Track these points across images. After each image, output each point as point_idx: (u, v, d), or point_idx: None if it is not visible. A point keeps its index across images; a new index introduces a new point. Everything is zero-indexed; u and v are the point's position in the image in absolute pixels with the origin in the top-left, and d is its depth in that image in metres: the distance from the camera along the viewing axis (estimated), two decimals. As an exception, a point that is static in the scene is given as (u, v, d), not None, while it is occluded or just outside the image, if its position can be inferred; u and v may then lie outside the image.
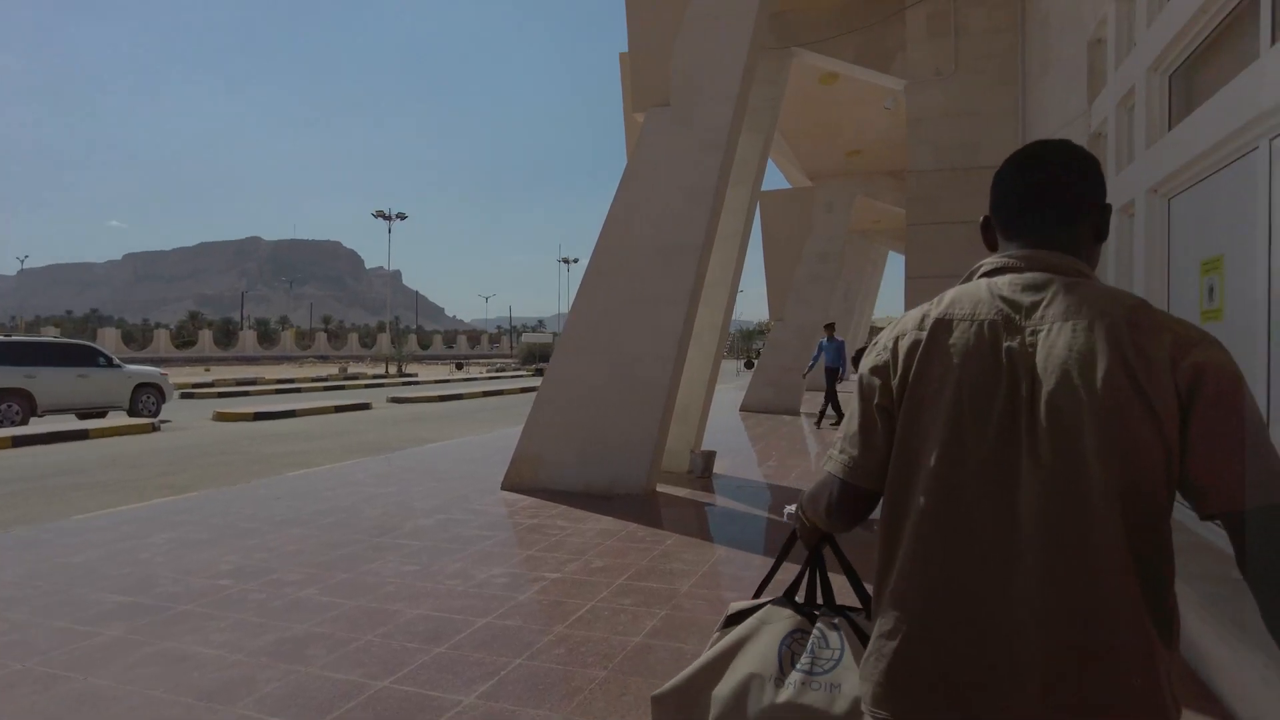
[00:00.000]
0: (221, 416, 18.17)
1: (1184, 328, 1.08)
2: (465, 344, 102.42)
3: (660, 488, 8.17)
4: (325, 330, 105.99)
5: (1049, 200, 1.23)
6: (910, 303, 8.28)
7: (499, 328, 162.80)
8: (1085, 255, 1.23)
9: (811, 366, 14.60)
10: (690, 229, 7.61)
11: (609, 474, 7.79)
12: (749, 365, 36.18)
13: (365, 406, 21.75)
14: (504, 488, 8.13)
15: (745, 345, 76.79)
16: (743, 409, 17.67)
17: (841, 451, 1.27)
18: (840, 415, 14.31)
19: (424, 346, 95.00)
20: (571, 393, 7.99)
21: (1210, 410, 1.02)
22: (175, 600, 4.64)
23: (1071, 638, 1.04)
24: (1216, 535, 3.91)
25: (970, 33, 8.10)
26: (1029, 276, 1.17)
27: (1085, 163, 1.24)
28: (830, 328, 14.63)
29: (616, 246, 7.91)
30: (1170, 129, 4.54)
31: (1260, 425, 1.03)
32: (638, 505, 7.36)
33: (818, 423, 14.29)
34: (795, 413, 16.93)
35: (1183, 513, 4.32)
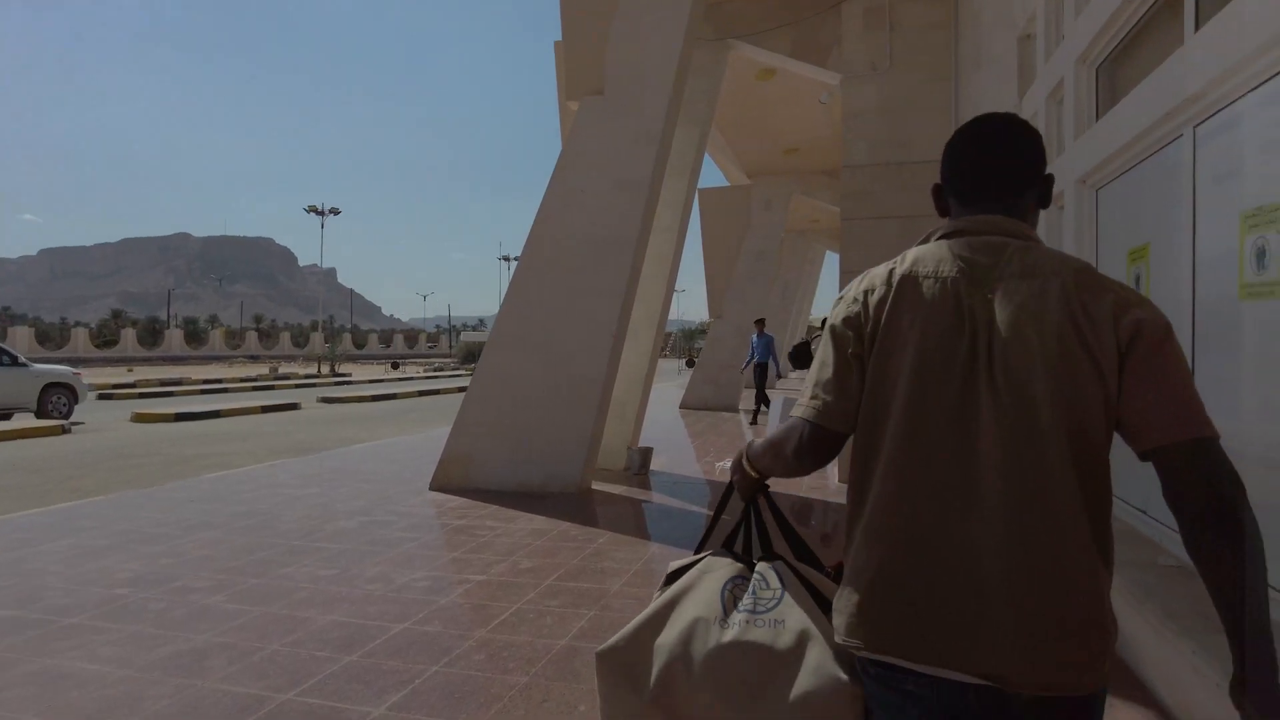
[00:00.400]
0: (140, 418, 17.33)
1: (1123, 289, 1.22)
2: (402, 343, 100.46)
3: (596, 485, 7.99)
4: (256, 329, 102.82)
5: (1001, 171, 1.34)
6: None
7: (438, 327, 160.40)
8: (1031, 221, 1.36)
9: (749, 363, 14.60)
10: (625, 221, 7.46)
11: (542, 472, 7.58)
12: (690, 364, 36.33)
13: (294, 407, 21.04)
14: (433, 488, 7.85)
15: (687, 344, 77.08)
16: (683, 406, 17.60)
17: (814, 398, 1.33)
18: (757, 410, 14.40)
19: (359, 346, 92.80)
20: (503, 389, 7.76)
21: (1144, 360, 1.16)
22: (63, 613, 4.27)
23: (1030, 565, 1.14)
24: (1144, 523, 3.92)
25: (905, 28, 8.13)
26: (986, 240, 1.28)
27: (1031, 136, 1.35)
28: (760, 323, 14.65)
29: (550, 238, 7.70)
30: (1097, 120, 4.55)
31: (1186, 372, 1.17)
32: (571, 503, 7.18)
33: (753, 419, 14.30)
34: (734, 409, 16.94)
35: (1116, 506, 4.32)
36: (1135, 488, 4.09)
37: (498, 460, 7.70)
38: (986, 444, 1.18)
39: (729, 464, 1.68)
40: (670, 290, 9.19)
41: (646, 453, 8.82)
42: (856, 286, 1.35)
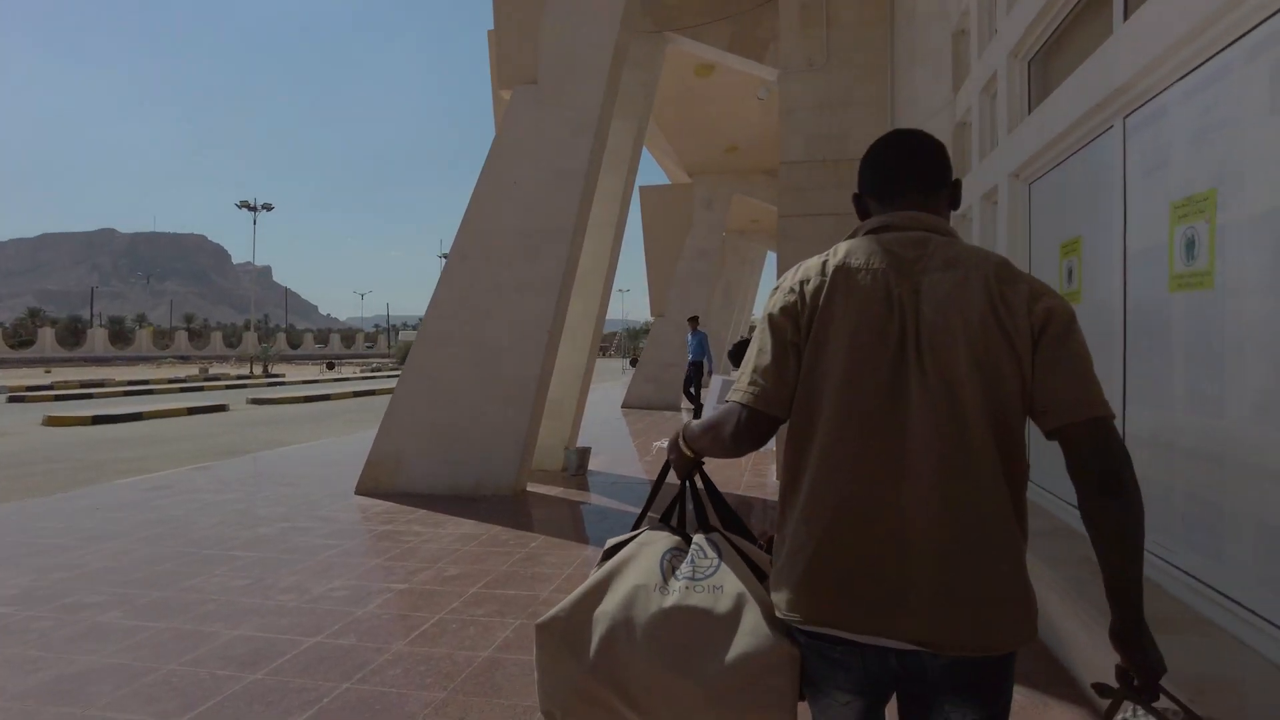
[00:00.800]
0: (53, 421, 16.44)
1: (1035, 281, 1.32)
2: (339, 343, 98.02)
3: (531, 487, 7.78)
4: (187, 329, 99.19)
5: (918, 171, 1.45)
6: (783, 294, 8.21)
7: (376, 326, 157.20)
8: (946, 219, 1.46)
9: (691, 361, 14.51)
10: (560, 213, 7.26)
11: (474, 474, 7.34)
12: (634, 363, 36.22)
13: (222, 409, 20.27)
14: (359, 492, 7.54)
15: (632, 344, 77.02)
16: (624, 406, 17.45)
17: (752, 384, 1.38)
18: (699, 406, 14.32)
19: (294, 346, 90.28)
20: (433, 388, 7.49)
21: (1053, 345, 1.25)
22: (-67, 635, 3.91)
23: (958, 536, 1.23)
24: (1077, 519, 3.90)
25: (842, 24, 8.10)
26: (911, 234, 1.37)
27: (938, 146, 1.48)
28: (694, 321, 14.57)
29: (482, 231, 7.46)
30: (1029, 113, 4.54)
31: (1087, 358, 1.27)
32: (505, 506, 6.96)
33: (695, 416, 14.22)
34: (676, 408, 16.86)
35: (1045, 498, 4.32)
36: (1069, 483, 4.07)
37: (427, 462, 7.43)
38: (915, 422, 1.27)
39: (665, 443, 1.74)
40: (609, 287, 9.02)
41: (584, 453, 8.64)
42: (792, 277, 1.42)
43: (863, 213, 1.53)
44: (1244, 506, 2.53)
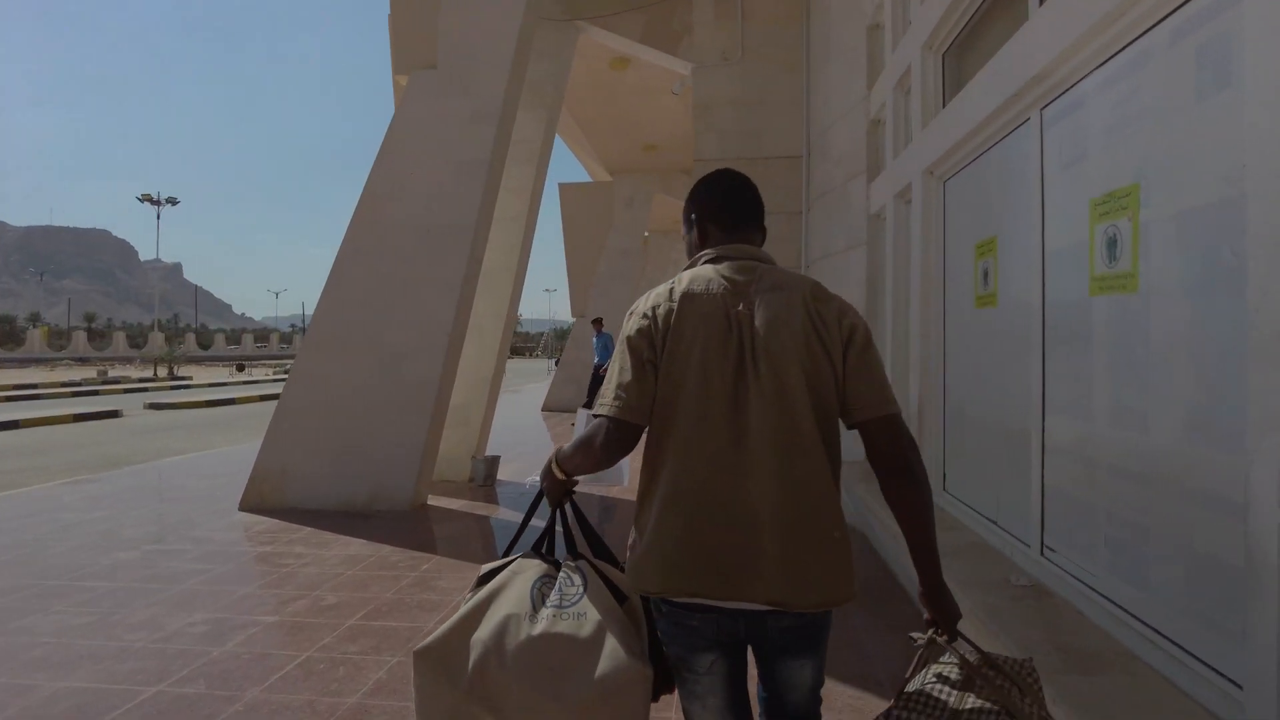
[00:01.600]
0: (-86, 430, 15.03)
1: (841, 300, 1.63)
2: (252, 343, 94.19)
3: (433, 500, 7.30)
4: (87, 329, 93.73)
5: (747, 212, 1.75)
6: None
7: (292, 326, 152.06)
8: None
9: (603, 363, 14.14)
10: (461, 206, 6.81)
11: (369, 488, 6.82)
12: (559, 364, 35.80)
13: (114, 415, 18.94)
14: (242, 509, 6.93)
15: (559, 344, 76.32)
16: (545, 409, 17.00)
17: (616, 399, 1.57)
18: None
19: (204, 346, 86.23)
20: (323, 395, 6.94)
21: (856, 356, 1.56)
22: None
23: (796, 513, 1.51)
24: (995, 535, 3.70)
25: (757, 18, 7.89)
26: (741, 263, 1.65)
27: (756, 188, 1.79)
28: (598, 323, 14.24)
29: (376, 224, 6.95)
30: (944, 107, 4.34)
31: (881, 365, 1.59)
32: (401, 523, 6.47)
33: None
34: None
35: (965, 514, 4.13)
36: (985, 496, 3.88)
37: (317, 476, 6.88)
38: (755, 420, 1.51)
39: (538, 476, 1.88)
40: (520, 285, 8.60)
41: (493, 462, 8.19)
42: (645, 304, 1.63)
43: (700, 233, 1.76)
44: (1171, 530, 2.32)
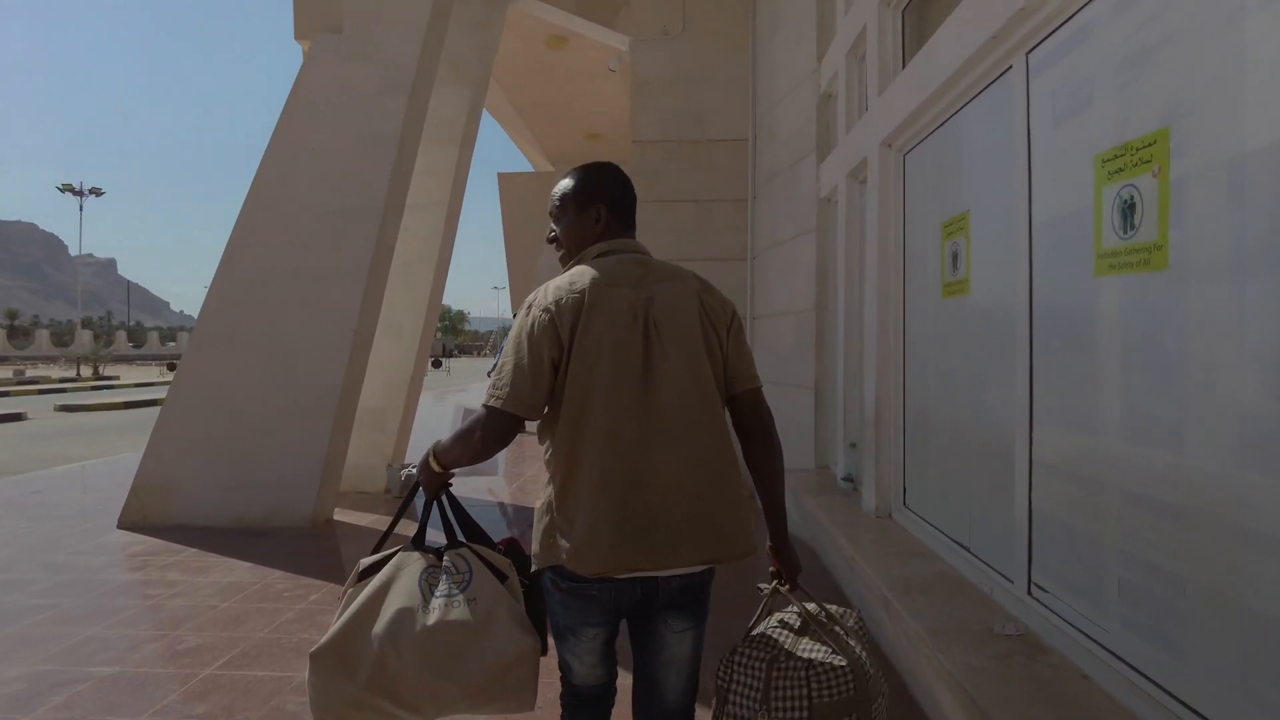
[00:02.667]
0: None
1: (720, 293, 1.83)
2: (188, 341, 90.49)
3: (341, 515, 6.55)
4: (8, 326, 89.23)
5: (632, 207, 1.89)
6: (636, 287, 7.35)
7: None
8: None
9: None
10: (368, 187, 6.07)
11: (265, 502, 6.05)
12: (503, 363, 34.93)
13: (17, 418, 17.59)
14: (121, 526, 6.09)
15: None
16: (482, 410, 16.21)
17: (510, 394, 1.65)
18: None
19: (137, 345, 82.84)
20: (212, 398, 6.13)
21: (735, 338, 1.78)
22: None
23: (709, 480, 1.67)
24: (969, 565, 3.14)
25: (699, -11, 7.30)
26: (634, 257, 1.78)
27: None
28: None
29: (273, 206, 6.17)
30: (904, 68, 3.79)
31: (748, 346, 1.83)
32: (299, 542, 5.72)
33: None
34: (537, 412, 15.79)
35: (931, 537, 3.53)
36: (955, 517, 3.33)
37: (206, 489, 6.07)
38: (666, 402, 1.66)
39: (411, 468, 1.19)
40: (442, 278, 7.87)
41: (407, 480, 7.46)
42: (546, 298, 1.69)
43: (603, 225, 1.82)
44: (1216, 579, 1.76)
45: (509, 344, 1.70)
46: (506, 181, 17.16)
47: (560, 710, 1.91)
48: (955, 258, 3.20)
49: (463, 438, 1.72)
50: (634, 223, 1.88)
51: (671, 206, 7.28)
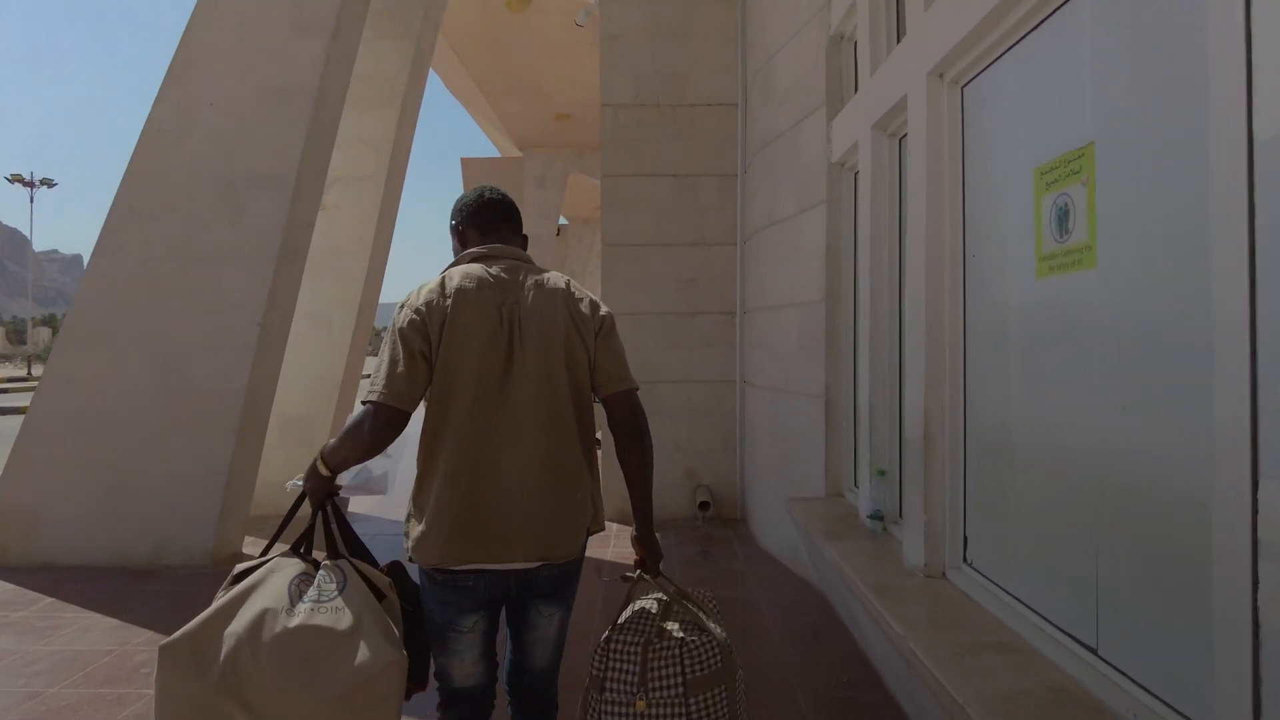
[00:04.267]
0: None
1: (591, 297, 1.96)
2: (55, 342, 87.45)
3: (255, 547, 5.44)
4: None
5: (503, 217, 2.04)
6: (606, 276, 6.29)
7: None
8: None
9: None
10: (275, 150, 4.97)
11: (153, 535, 4.94)
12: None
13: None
14: (-28, 565, 4.96)
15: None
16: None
17: (387, 388, 1.74)
18: None
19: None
20: (85, 409, 5.00)
21: (604, 341, 1.90)
22: None
23: (555, 478, 1.80)
24: (1098, 679, 2.08)
25: (679, -72, 6.25)
26: (506, 262, 1.91)
27: (512, 202, 2.10)
28: None
29: (159, 174, 5.04)
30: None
31: (622, 348, 1.95)
32: (193, 586, 4.63)
33: None
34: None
35: (1020, 621, 2.42)
36: (1066, 599, 2.29)
37: (79, 519, 4.95)
38: (522, 401, 1.78)
39: (299, 480, 1.95)
40: (379, 265, 6.76)
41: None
42: (418, 299, 1.82)
43: (462, 239, 2.03)
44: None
45: (385, 342, 1.81)
46: (470, 167, 16.05)
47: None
48: (1064, 216, 2.18)
49: (351, 434, 1.79)
50: (508, 231, 2.03)
51: (647, 182, 6.23)
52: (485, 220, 2.00)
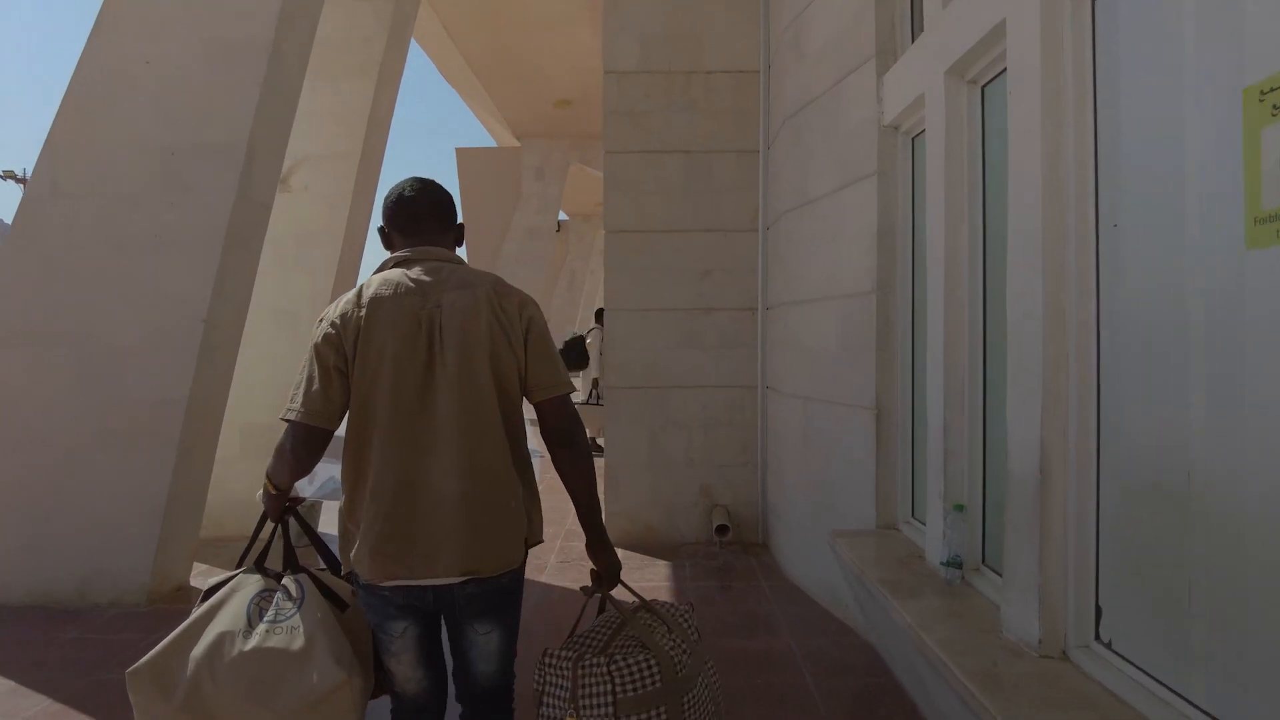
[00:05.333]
0: None
1: (520, 294, 1.87)
2: None
3: (199, 580, 4.72)
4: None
5: (436, 218, 1.94)
6: (609, 268, 5.55)
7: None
8: (453, 248, 1.98)
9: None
10: (224, 116, 4.23)
11: (79, 568, 4.22)
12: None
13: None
14: None
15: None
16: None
17: (303, 405, 1.72)
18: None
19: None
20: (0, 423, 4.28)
21: (534, 344, 1.83)
22: None
23: (478, 489, 1.74)
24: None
25: None
26: (430, 265, 1.85)
27: (446, 195, 1.98)
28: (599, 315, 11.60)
29: (85, 145, 4.29)
30: None
31: (555, 351, 1.88)
32: (125, 630, 3.93)
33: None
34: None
35: (1122, 679, 1.66)
36: (1159, 655, 1.56)
37: (-5, 550, 4.23)
38: (443, 410, 1.72)
39: (260, 493, 1.96)
40: (355, 253, 6.00)
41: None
42: (333, 312, 1.78)
43: (386, 241, 1.96)
44: None
45: (304, 360, 1.78)
46: (465, 158, 15.28)
47: None
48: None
49: (277, 454, 1.82)
50: (434, 228, 1.93)
51: (656, 160, 5.49)
52: (404, 222, 1.92)
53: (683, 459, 5.44)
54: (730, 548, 5.32)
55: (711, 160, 5.48)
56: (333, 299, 5.82)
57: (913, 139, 3.56)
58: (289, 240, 5.69)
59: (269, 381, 5.66)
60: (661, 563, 5.03)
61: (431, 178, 1.98)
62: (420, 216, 1.91)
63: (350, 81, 5.74)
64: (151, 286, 4.23)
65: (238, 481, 5.67)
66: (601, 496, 5.61)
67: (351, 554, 1.75)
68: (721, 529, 5.19)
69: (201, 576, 4.80)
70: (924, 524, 3.40)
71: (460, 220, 2.01)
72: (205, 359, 4.29)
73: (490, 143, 17.38)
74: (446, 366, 1.72)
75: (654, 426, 5.44)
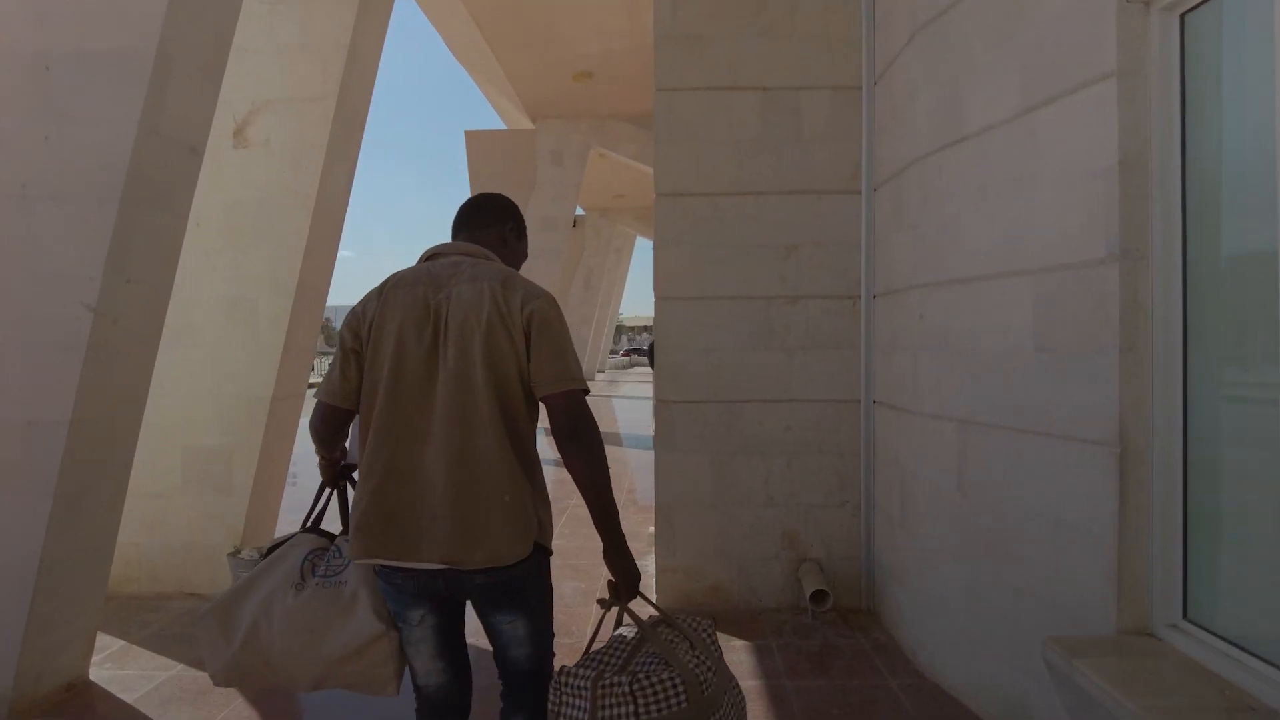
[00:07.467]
0: None
1: (530, 288, 1.83)
2: None
3: (124, 663, 3.46)
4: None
5: (475, 217, 2.04)
6: (659, 243, 4.21)
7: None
8: (496, 249, 1.99)
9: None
10: (121, 12, 2.95)
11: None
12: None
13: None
14: None
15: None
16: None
17: (325, 384, 1.85)
18: None
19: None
20: None
21: (538, 338, 1.78)
22: None
23: (467, 479, 1.71)
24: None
25: None
26: (453, 258, 1.90)
27: (500, 202, 2.08)
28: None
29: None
30: None
31: (562, 345, 1.80)
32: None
33: None
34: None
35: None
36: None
37: None
38: (439, 399, 1.74)
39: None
40: (331, 225, 4.68)
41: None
42: (361, 303, 1.88)
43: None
44: None
45: None
46: (475, 141, 14.00)
47: None
48: None
49: (311, 428, 1.94)
50: (475, 226, 2.02)
51: (724, 99, 4.16)
52: (454, 223, 2.06)
53: (759, 497, 4.10)
54: (824, 616, 3.97)
55: (798, 100, 4.13)
56: (300, 286, 4.53)
57: (1182, 16, 2.22)
58: (246, 209, 4.39)
59: (216, 391, 4.37)
60: (738, 642, 3.68)
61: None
62: (465, 216, 2.05)
63: (325, 6, 4.42)
64: (14, 256, 2.93)
65: (178, 519, 4.38)
66: (653, 544, 4.29)
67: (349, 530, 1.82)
68: (819, 595, 3.84)
69: (117, 659, 3.52)
70: (1213, 633, 2.07)
71: (512, 221, 2.08)
72: (99, 364, 2.99)
73: (499, 124, 16.11)
74: (447, 356, 1.76)
75: (720, 453, 4.11)
